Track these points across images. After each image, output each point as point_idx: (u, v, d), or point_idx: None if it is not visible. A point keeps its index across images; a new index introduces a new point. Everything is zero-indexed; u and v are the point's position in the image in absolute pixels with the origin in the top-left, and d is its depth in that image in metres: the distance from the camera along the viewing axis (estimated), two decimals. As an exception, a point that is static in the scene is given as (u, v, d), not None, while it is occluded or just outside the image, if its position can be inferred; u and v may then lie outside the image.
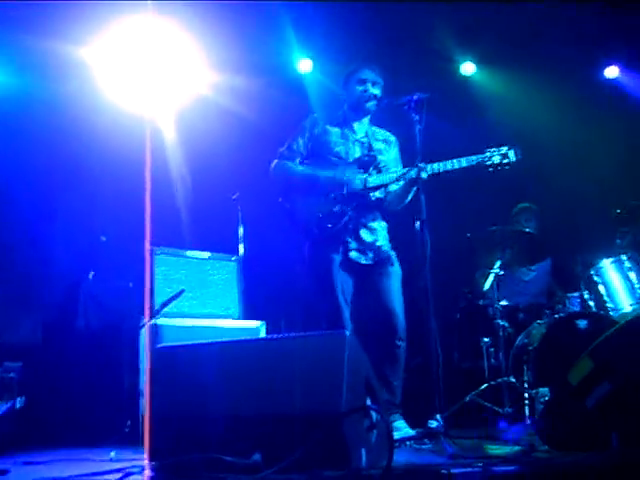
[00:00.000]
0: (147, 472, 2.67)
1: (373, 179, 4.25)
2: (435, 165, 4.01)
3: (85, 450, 3.89)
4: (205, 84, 5.97)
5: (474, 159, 4.05)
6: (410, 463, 2.94)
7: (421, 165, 3.89)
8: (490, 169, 4.07)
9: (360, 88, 4.37)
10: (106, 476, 2.57)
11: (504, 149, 4.05)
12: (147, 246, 4.72)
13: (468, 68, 6.79)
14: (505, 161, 4.04)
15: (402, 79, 5.21)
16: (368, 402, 2.81)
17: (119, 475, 2.59)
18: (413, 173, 3.97)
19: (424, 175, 3.89)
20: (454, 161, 4.04)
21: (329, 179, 4.26)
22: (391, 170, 4.30)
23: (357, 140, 4.44)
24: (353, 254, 4.24)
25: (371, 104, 4.33)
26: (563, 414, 3.10)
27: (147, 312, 4.50)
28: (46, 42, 5.26)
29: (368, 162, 4.30)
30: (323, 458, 2.52)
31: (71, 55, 5.40)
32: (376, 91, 4.35)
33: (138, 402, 4.35)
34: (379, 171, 4.28)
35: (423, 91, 3.86)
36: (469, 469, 2.48)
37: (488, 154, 4.05)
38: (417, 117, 3.78)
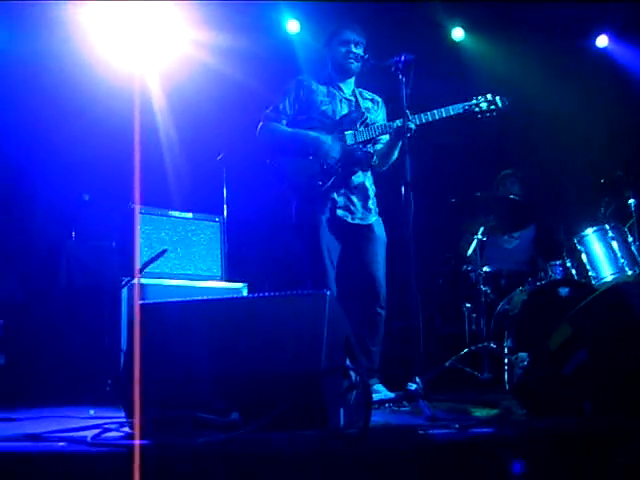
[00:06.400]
0: (124, 428, 2.67)
1: (361, 134, 4.21)
2: (423, 115, 4.01)
3: (66, 408, 3.89)
4: (193, 43, 5.90)
5: (461, 107, 4.08)
6: (388, 424, 2.96)
7: (409, 115, 3.86)
8: (478, 116, 4.11)
9: (343, 49, 4.31)
10: (84, 432, 2.56)
11: (490, 96, 4.07)
12: (137, 205, 4.67)
13: (457, 34, 6.73)
14: (492, 107, 4.09)
15: (390, 43, 5.14)
16: (347, 363, 2.82)
17: (97, 431, 2.59)
18: (400, 122, 3.96)
19: (412, 125, 3.88)
20: (442, 110, 4.06)
21: (317, 138, 4.20)
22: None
23: (344, 98, 4.39)
24: (340, 212, 4.21)
25: (355, 65, 4.28)
26: (540, 379, 3.12)
27: (136, 271, 4.47)
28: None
29: (356, 119, 4.26)
30: (301, 417, 2.52)
31: (52, 11, 5.29)
32: (359, 51, 4.27)
33: (119, 361, 4.34)
34: (367, 126, 4.24)
35: (411, 53, 3.82)
36: (446, 430, 2.50)
37: (475, 101, 4.10)
38: (404, 79, 3.74)
